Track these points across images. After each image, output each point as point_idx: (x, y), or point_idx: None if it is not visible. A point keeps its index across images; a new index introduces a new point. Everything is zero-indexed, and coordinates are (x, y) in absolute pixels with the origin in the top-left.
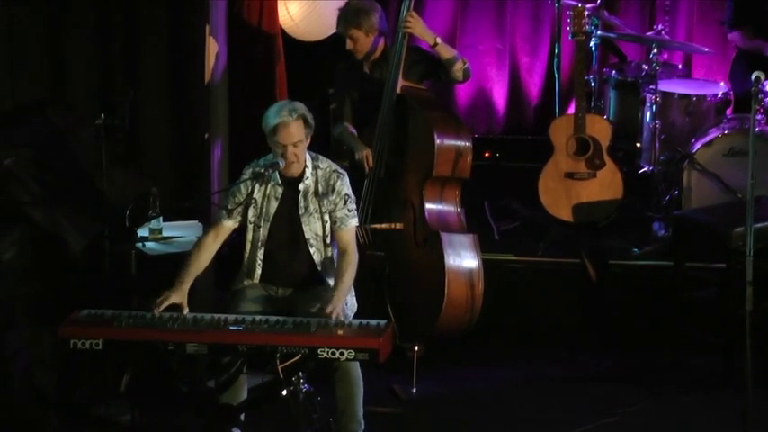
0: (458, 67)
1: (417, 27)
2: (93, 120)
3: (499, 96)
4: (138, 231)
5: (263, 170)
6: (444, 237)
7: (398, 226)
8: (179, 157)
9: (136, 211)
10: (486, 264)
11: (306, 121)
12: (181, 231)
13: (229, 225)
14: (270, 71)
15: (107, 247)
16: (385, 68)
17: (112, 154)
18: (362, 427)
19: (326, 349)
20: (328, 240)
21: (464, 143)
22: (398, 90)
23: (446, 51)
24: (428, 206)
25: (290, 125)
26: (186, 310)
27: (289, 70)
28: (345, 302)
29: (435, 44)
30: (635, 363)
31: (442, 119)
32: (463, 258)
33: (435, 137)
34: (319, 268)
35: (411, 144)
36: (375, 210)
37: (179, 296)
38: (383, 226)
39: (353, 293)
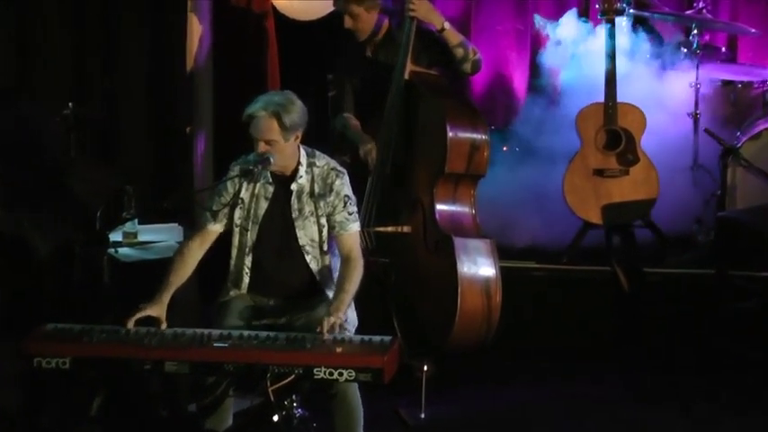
0: (466, 58)
1: (422, 9)
2: (61, 109)
3: (519, 83)
4: (111, 235)
5: (252, 167)
6: (458, 241)
7: (406, 229)
8: (158, 152)
9: (108, 212)
10: (504, 272)
11: (280, 122)
12: (159, 235)
13: (215, 229)
14: (260, 55)
15: (76, 252)
16: (390, 51)
17: (83, 147)
18: None
19: (324, 369)
20: (326, 247)
21: (480, 136)
22: (407, 76)
23: (454, 38)
24: (439, 207)
25: (260, 119)
26: (164, 325)
27: (281, 54)
28: (345, 316)
29: (442, 29)
30: (671, 382)
31: (455, 108)
32: (479, 265)
33: (448, 128)
34: (317, 278)
35: (421, 137)
36: (380, 211)
37: (157, 309)
38: (389, 229)
39: (353, 306)
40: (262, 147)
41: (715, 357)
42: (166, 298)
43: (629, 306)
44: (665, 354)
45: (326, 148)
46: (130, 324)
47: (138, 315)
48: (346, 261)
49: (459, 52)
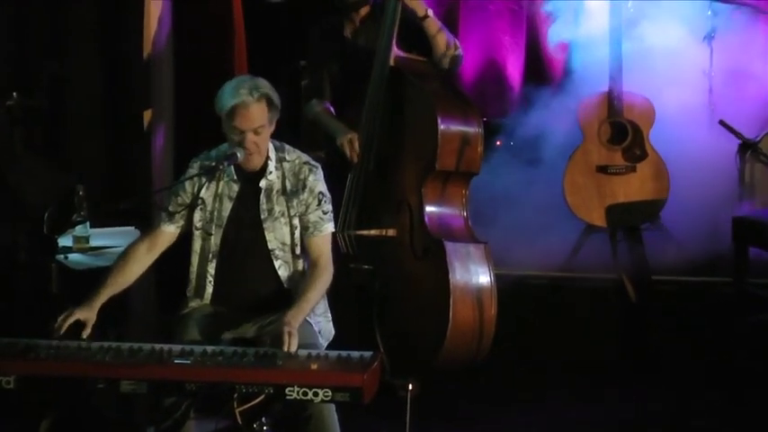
0: (446, 52)
1: None
2: (3, 100)
3: (514, 70)
4: (60, 240)
5: (215, 164)
6: (449, 246)
7: (391, 232)
8: (112, 147)
9: (57, 214)
10: (499, 280)
11: (270, 103)
12: (113, 240)
13: (170, 231)
14: (226, 39)
15: (21, 259)
16: (372, 34)
17: (28, 142)
18: None
19: (297, 388)
20: (298, 250)
21: (473, 129)
22: (392, 61)
23: (434, 27)
24: (428, 208)
25: (251, 107)
26: (88, 331)
27: (249, 37)
28: (318, 328)
29: (426, 16)
30: (685, 403)
31: (446, 98)
32: (472, 273)
33: (438, 120)
34: (286, 285)
35: (408, 129)
36: (362, 212)
37: (85, 312)
38: (372, 232)
39: (329, 317)
40: (251, 138)
41: (732, 375)
42: (98, 303)
43: (636, 318)
44: (676, 371)
45: (299, 142)
46: (58, 333)
47: (69, 321)
48: (314, 266)
49: (439, 43)
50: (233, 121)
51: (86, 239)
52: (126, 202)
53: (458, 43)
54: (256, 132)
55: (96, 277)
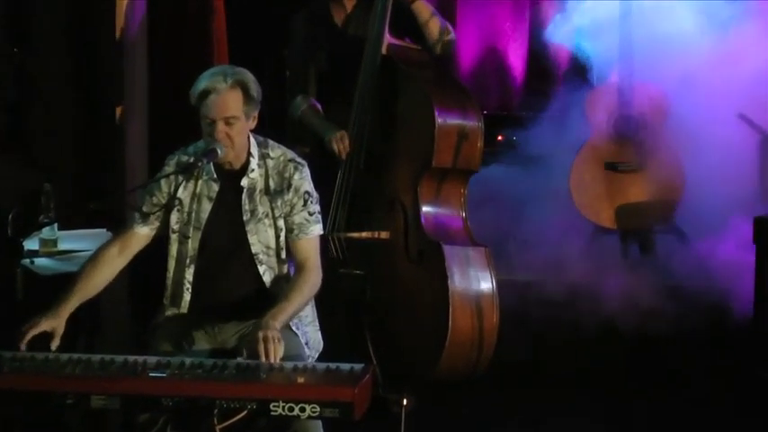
0: (438, 38)
1: None
2: None
3: (517, 60)
4: (26, 243)
5: (193, 161)
6: (447, 250)
7: (383, 235)
8: (82, 142)
9: (22, 216)
10: (501, 286)
11: (246, 93)
12: (83, 243)
13: (143, 232)
14: (203, 26)
15: None
16: (363, 21)
17: None
18: None
19: (282, 403)
20: (284, 254)
21: (472, 123)
22: (384, 50)
23: (426, 11)
24: (425, 208)
25: (223, 93)
26: (56, 343)
27: (229, 25)
28: (306, 339)
29: (415, 0)
30: (699, 418)
31: (443, 89)
32: (471, 278)
33: (435, 113)
34: (272, 292)
35: (401, 123)
36: (352, 213)
37: (52, 322)
38: (363, 235)
39: (318, 326)
40: (221, 129)
41: (751, 391)
42: (66, 311)
43: (646, 328)
44: (691, 388)
45: (284, 138)
46: (23, 345)
47: (34, 332)
48: (300, 269)
49: (430, 29)
50: (202, 108)
51: (54, 242)
52: (97, 202)
53: (449, 27)
54: (227, 123)
55: (65, 283)
